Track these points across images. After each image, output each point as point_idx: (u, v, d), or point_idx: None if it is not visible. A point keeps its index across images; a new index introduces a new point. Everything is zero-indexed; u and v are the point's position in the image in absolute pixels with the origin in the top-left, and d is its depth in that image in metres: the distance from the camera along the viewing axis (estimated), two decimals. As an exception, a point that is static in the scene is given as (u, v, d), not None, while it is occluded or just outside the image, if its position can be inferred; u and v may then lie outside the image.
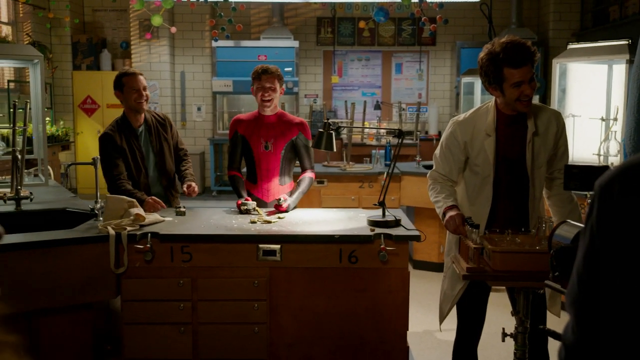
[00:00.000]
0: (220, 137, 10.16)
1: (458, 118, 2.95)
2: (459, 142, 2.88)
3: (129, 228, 3.13)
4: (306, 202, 5.70)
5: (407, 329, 3.18)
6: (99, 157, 3.64)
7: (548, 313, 2.90)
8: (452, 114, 10.41)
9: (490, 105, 2.86)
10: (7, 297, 2.74)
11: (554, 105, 5.32)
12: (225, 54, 10.06)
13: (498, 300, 5.01)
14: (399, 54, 10.86)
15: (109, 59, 10.40)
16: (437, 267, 5.93)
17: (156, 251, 3.09)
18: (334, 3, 9.89)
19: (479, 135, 2.82)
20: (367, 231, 3.16)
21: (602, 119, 5.06)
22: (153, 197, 3.67)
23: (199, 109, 10.81)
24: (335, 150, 3.66)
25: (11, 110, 4.17)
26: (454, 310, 3.05)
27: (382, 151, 6.64)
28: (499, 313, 4.53)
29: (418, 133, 6.79)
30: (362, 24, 9.28)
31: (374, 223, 3.26)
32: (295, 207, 3.79)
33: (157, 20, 7.86)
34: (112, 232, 3.06)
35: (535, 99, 7.91)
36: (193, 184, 3.85)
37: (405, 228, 3.23)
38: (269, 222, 3.40)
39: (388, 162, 6.24)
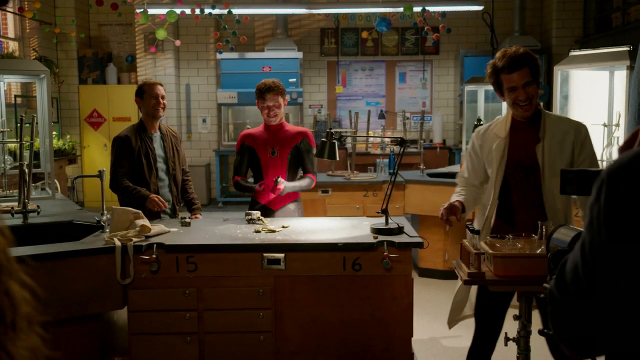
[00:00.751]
0: (225, 149, 10.21)
1: (482, 127, 3.10)
2: (476, 146, 3.01)
3: (134, 239, 3.17)
4: (311, 211, 5.74)
5: (412, 336, 3.19)
6: (110, 161, 3.85)
7: None
8: (456, 122, 10.45)
9: (509, 112, 2.98)
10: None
11: (556, 112, 5.34)
12: (230, 66, 10.12)
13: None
14: (403, 63, 10.91)
15: (114, 73, 10.49)
16: (442, 275, 5.93)
17: (162, 262, 3.13)
18: (337, 14, 9.98)
19: (492, 139, 2.94)
20: (370, 239, 3.18)
21: (604, 125, 5.07)
22: (158, 195, 3.83)
23: (204, 120, 10.87)
24: (338, 159, 3.70)
25: (18, 124, 4.23)
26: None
27: (387, 160, 6.67)
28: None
29: (422, 141, 6.82)
30: (365, 34, 9.34)
31: (377, 231, 3.29)
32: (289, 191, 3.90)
33: (161, 34, 7.94)
34: (118, 243, 3.10)
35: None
36: (199, 216, 4.11)
37: (408, 235, 3.25)
38: (273, 231, 3.44)
39: (392, 171, 6.27)
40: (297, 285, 3.15)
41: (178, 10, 8.18)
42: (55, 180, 5.17)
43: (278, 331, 3.17)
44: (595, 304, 1.07)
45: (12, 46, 9.32)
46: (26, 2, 9.12)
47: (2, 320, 0.67)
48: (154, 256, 3.10)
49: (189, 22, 10.25)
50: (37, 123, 4.73)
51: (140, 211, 3.40)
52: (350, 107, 10.38)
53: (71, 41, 9.91)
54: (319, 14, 9.68)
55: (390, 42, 10.86)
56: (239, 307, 3.15)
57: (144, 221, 3.33)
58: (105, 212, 3.54)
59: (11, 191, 4.96)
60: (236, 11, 8.51)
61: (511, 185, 2.88)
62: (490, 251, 2.48)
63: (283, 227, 3.55)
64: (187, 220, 3.66)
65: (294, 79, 9.96)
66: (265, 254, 3.12)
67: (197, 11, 8.26)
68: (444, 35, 9.84)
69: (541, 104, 3.01)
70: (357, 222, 3.69)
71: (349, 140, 6.78)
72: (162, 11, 8.25)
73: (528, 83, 2.73)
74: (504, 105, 7.17)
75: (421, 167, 6.32)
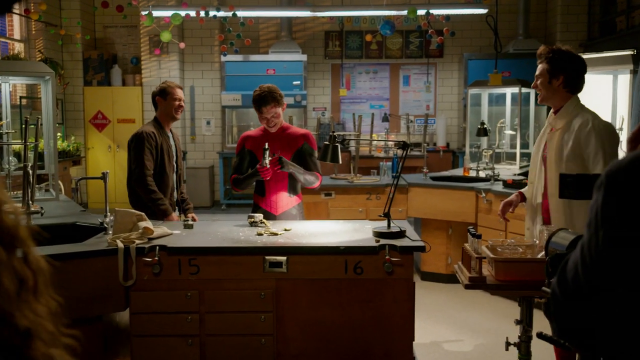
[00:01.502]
0: (229, 151, 10.22)
1: None
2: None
3: (137, 241, 3.18)
4: (314, 214, 5.75)
5: (413, 340, 3.19)
6: (131, 157, 3.96)
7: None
8: (460, 126, 10.44)
9: None
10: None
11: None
12: (234, 69, 10.14)
13: (501, 309, 5.01)
14: (407, 66, 10.92)
15: (119, 75, 10.52)
16: (444, 279, 5.93)
17: (164, 264, 3.14)
18: (342, 17, 9.98)
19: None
20: (372, 242, 3.19)
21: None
22: (177, 215, 4.04)
23: (208, 123, 10.89)
24: (341, 162, 3.70)
25: (23, 126, 4.25)
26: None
27: (390, 163, 6.67)
28: (503, 322, 4.54)
29: (426, 145, 6.82)
30: (369, 37, 9.35)
31: (379, 234, 3.29)
32: (289, 170, 3.78)
33: (166, 36, 7.98)
34: (120, 245, 3.11)
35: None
36: (194, 216, 4.25)
37: (410, 239, 3.25)
38: (275, 234, 3.44)
39: (395, 174, 6.27)
40: (299, 288, 3.16)
41: (183, 13, 8.20)
42: (59, 182, 5.19)
43: (279, 334, 3.17)
44: (595, 304, 1.08)
45: (18, 48, 9.36)
46: (32, 4, 9.16)
47: (25, 286, 0.73)
48: (156, 258, 3.11)
49: (193, 24, 10.28)
50: (41, 124, 4.76)
51: (143, 213, 3.42)
52: (354, 110, 10.39)
53: (76, 43, 9.94)
54: (323, 17, 9.67)
55: (395, 45, 10.86)
56: (240, 310, 3.15)
57: (147, 223, 3.34)
58: (109, 213, 3.55)
59: (15, 192, 4.97)
60: (241, 14, 8.53)
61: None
62: (492, 255, 2.48)
63: (285, 230, 3.56)
64: (190, 222, 3.67)
65: (298, 82, 9.98)
66: (267, 257, 3.13)
67: (202, 14, 8.28)
68: (448, 38, 9.85)
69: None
70: (359, 226, 3.69)
71: (352, 143, 6.78)
72: (167, 14, 8.27)
73: (540, 74, 3.21)
74: (508, 108, 7.19)
75: (424, 170, 6.33)
